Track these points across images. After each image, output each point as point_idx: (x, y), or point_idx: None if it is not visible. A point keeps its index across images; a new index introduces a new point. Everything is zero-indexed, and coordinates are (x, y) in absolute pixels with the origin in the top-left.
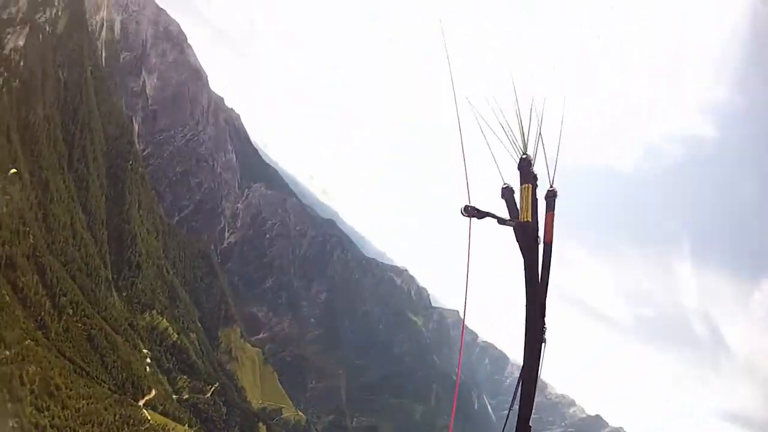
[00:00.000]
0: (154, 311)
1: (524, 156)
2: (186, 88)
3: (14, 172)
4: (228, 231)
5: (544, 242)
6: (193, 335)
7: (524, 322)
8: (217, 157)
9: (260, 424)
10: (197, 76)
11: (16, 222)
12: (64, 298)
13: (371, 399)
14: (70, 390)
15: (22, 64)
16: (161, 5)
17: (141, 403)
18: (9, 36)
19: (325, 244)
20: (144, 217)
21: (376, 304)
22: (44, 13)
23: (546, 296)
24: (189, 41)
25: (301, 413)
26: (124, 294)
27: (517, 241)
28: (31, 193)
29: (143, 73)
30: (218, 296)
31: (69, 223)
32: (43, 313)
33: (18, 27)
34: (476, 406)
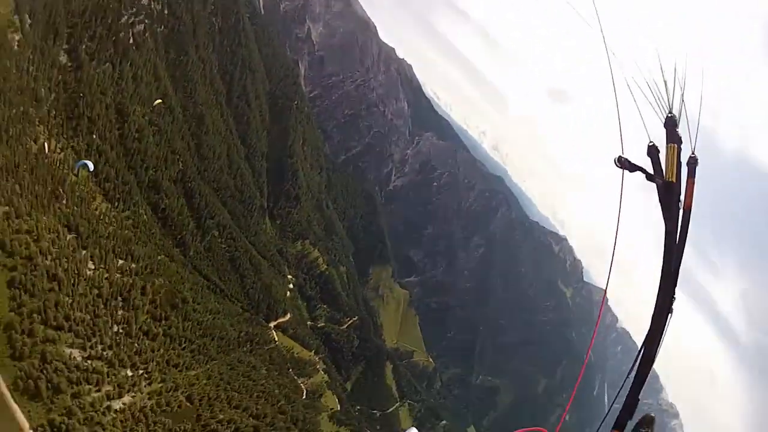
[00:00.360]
0: (307, 241)
1: (670, 115)
2: (354, 38)
3: (159, 103)
4: (395, 175)
5: (683, 208)
6: (342, 268)
7: (657, 288)
8: (388, 104)
9: (388, 362)
10: (365, 26)
11: (164, 150)
12: (211, 221)
13: (502, 361)
14: (198, 304)
15: (166, 12)
16: None
17: (272, 324)
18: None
19: (491, 199)
20: (308, 153)
21: (530, 267)
22: None
23: (680, 264)
24: None
25: (431, 360)
26: (278, 222)
27: (660, 201)
28: (183, 125)
29: (307, 21)
30: (376, 235)
31: (225, 153)
32: (184, 233)
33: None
34: (595, 392)
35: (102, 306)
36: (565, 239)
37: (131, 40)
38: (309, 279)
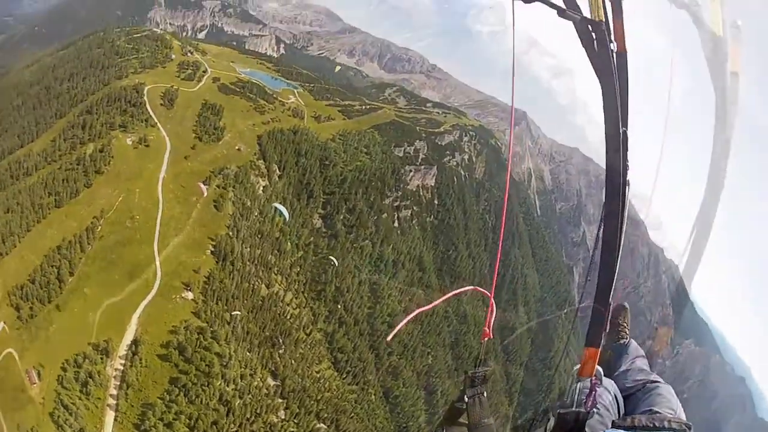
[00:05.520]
0: None
1: None
2: (626, 240)
3: None
4: None
5: (616, 52)
6: None
7: (605, 159)
8: (654, 312)
9: None
10: (636, 226)
11: (415, 341)
12: None
13: None
14: None
15: (436, 202)
16: (587, 154)
17: None
18: (411, 173)
19: (729, 406)
20: (568, 366)
21: None
22: (453, 157)
23: (626, 124)
24: None
25: None
26: None
27: (583, 44)
28: (443, 320)
29: (582, 223)
30: None
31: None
32: (410, 424)
33: (422, 166)
34: None
35: None
36: None
37: (396, 223)
38: None
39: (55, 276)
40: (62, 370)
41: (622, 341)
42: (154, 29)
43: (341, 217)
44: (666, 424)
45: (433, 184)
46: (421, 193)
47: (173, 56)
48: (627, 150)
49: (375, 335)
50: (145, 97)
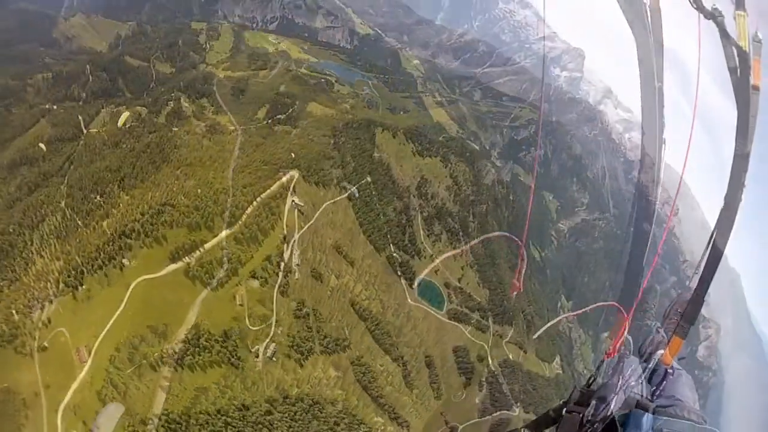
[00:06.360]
0: None
1: None
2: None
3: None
4: None
5: (649, 5)
6: None
7: (641, 116)
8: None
9: None
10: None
11: None
12: None
13: None
14: None
15: (511, 198)
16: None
17: None
18: (487, 168)
19: None
20: None
21: None
22: (528, 152)
23: (662, 79)
24: None
25: None
26: None
27: None
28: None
29: (653, 225)
30: None
31: None
32: None
33: (497, 161)
34: None
35: None
36: None
37: (471, 218)
38: None
39: (118, 258)
40: (116, 351)
41: (648, 322)
42: (224, 21)
43: (416, 210)
44: (686, 413)
45: (508, 180)
46: (497, 189)
47: (243, 48)
48: (663, 106)
49: (443, 330)
50: (215, 87)
